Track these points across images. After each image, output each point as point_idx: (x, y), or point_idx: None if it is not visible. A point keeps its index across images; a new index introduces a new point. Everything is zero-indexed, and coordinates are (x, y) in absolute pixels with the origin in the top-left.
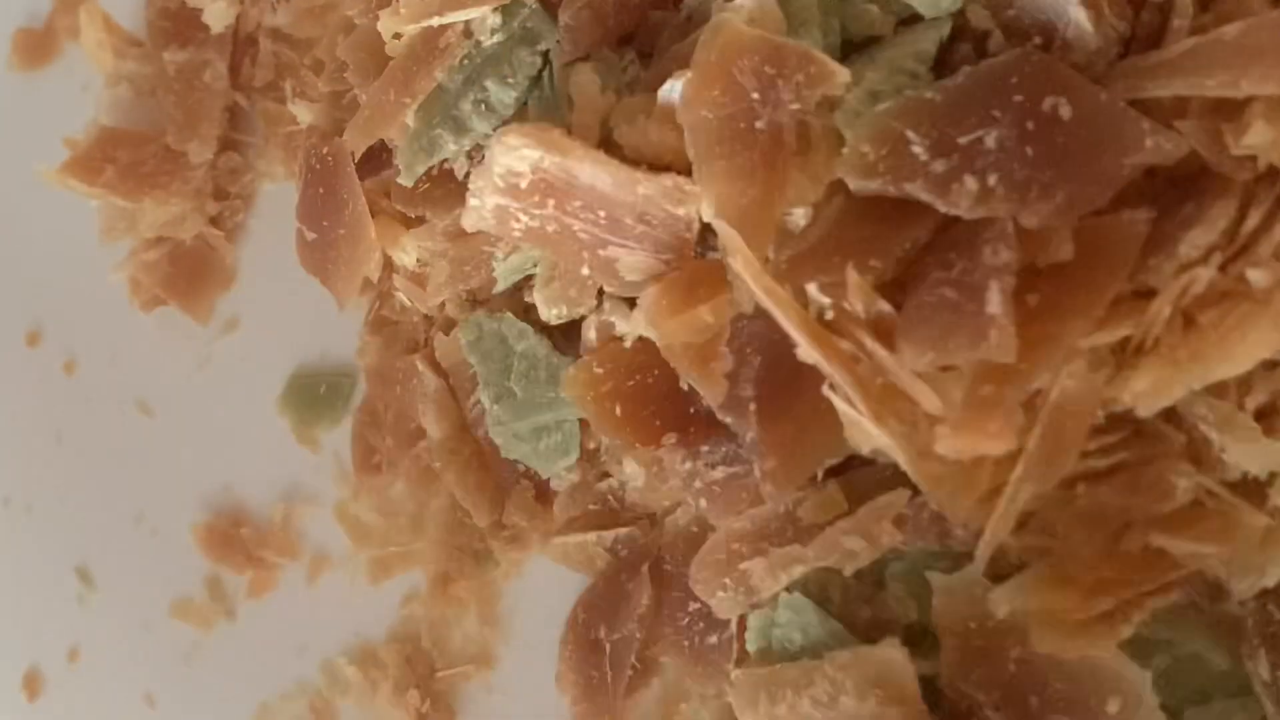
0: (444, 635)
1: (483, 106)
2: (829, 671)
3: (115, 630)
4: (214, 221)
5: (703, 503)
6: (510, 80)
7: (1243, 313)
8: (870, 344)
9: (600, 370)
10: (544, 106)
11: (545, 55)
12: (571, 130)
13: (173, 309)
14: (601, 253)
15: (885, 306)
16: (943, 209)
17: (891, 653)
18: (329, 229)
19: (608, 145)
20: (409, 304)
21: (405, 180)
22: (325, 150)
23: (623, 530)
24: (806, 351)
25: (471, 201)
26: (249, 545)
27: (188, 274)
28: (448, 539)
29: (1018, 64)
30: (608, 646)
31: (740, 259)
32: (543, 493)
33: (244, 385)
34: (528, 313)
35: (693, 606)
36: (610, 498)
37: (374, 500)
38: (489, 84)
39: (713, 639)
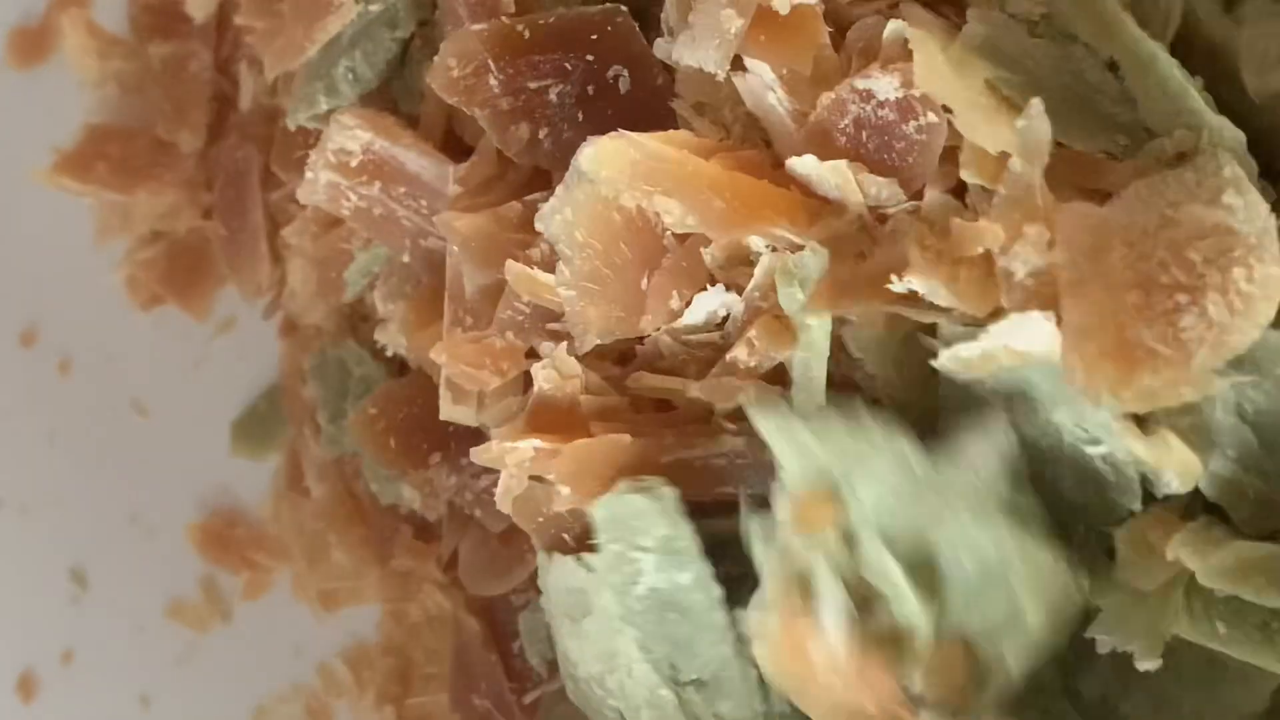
0: (434, 649)
1: (350, 75)
2: None
3: (110, 632)
4: (207, 213)
5: (478, 512)
6: (372, 59)
7: None
8: None
9: (374, 411)
10: (403, 91)
11: (404, 43)
12: (420, 121)
13: (169, 309)
14: (423, 243)
15: None
16: (496, 144)
17: None
18: (238, 229)
19: (450, 142)
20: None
21: (289, 123)
22: (239, 154)
23: None
24: None
25: (307, 175)
26: (244, 546)
27: (186, 269)
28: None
29: (600, 22)
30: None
31: None
32: (423, 530)
33: (240, 385)
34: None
35: None
36: None
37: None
38: (357, 54)
39: None
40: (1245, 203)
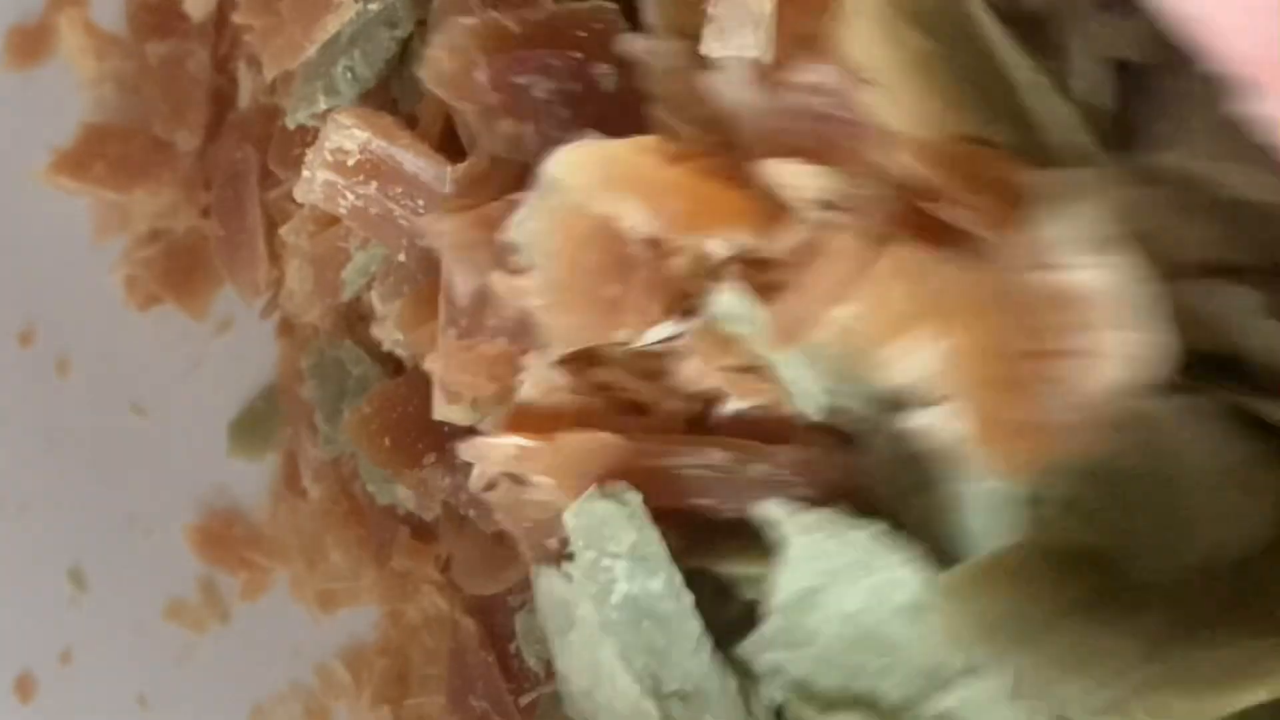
0: (432, 649)
1: (349, 75)
2: None
3: (108, 632)
4: (205, 212)
5: (472, 513)
6: (371, 58)
7: None
8: None
9: (369, 410)
10: (402, 90)
11: (404, 42)
12: (419, 120)
13: (167, 308)
14: (419, 242)
15: None
16: (483, 141)
17: None
18: (236, 229)
19: (449, 142)
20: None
21: (288, 123)
22: (238, 153)
23: None
24: None
25: (304, 173)
26: (242, 546)
27: (184, 269)
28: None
29: (588, 19)
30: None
31: None
32: (421, 530)
33: (238, 385)
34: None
35: None
36: None
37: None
38: (356, 54)
39: None
40: (1100, 264)
